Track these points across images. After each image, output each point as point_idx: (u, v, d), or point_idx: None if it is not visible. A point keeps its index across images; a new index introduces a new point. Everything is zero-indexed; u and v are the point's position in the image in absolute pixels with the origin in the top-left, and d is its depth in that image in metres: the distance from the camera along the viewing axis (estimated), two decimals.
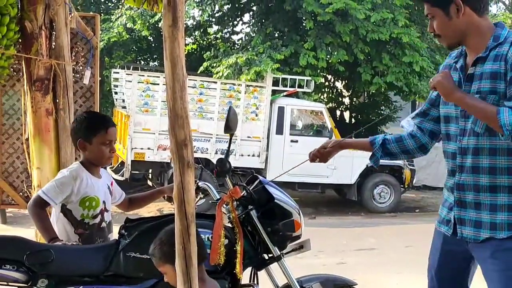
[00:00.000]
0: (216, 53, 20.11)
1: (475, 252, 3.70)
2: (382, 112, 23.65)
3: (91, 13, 13.30)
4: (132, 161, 16.02)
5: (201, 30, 23.57)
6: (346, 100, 24.08)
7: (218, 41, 22.20)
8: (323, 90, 23.49)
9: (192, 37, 24.03)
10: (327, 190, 17.42)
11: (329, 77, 22.90)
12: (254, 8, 21.95)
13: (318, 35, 18.68)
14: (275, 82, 17.27)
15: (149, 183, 17.77)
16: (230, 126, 4.52)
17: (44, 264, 3.81)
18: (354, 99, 23.99)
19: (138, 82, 16.16)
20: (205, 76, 18.65)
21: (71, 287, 3.90)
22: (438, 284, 3.96)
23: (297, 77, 17.64)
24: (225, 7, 22.00)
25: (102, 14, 20.92)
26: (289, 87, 17.52)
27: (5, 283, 3.89)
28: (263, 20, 20.81)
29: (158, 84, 15.96)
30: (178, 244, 3.21)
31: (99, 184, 4.43)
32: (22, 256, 3.83)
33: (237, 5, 22.08)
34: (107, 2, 23.48)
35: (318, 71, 19.04)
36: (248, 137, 16.54)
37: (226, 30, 23.01)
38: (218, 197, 4.57)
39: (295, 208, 4.54)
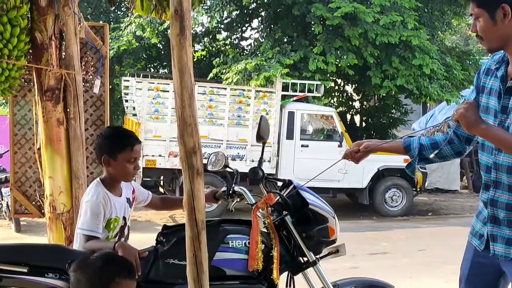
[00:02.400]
0: (225, 59, 20.13)
1: (506, 267, 3.64)
2: (393, 115, 23.60)
3: (100, 22, 13.36)
4: (143, 168, 16.05)
5: (210, 36, 23.60)
6: (356, 104, 24.05)
7: (227, 47, 22.22)
8: (333, 94, 23.46)
9: (201, 43, 24.05)
10: (338, 194, 17.42)
11: (339, 81, 22.87)
12: (263, 13, 21.98)
13: (327, 39, 18.68)
14: (285, 87, 17.27)
15: (161, 189, 17.81)
16: (261, 135, 4.65)
17: None
18: (365, 102, 23.95)
19: (148, 90, 16.22)
20: (215, 83, 18.69)
21: None
22: None
23: (307, 82, 17.63)
24: (234, 13, 22.03)
25: (111, 23, 20.99)
26: (299, 92, 17.49)
27: None
28: (272, 26, 20.83)
29: (168, 91, 16.00)
30: (189, 252, 3.24)
31: (120, 202, 4.42)
32: (64, 264, 3.83)
33: (245, 11, 22.10)
34: (116, 11, 23.49)
35: (328, 75, 19.02)
36: None
37: (235, 36, 23.02)
38: (254, 201, 4.58)
39: (330, 213, 4.58)
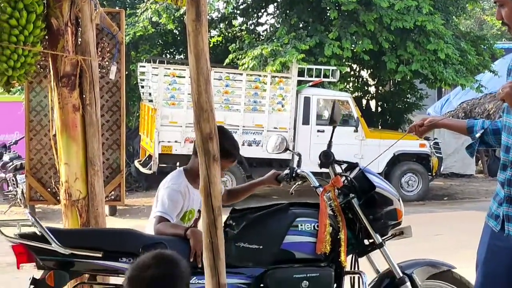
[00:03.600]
0: (241, 45, 20.08)
1: None
2: (408, 100, 23.51)
3: (116, 8, 13.35)
4: (159, 154, 16.11)
5: (226, 22, 23.56)
6: (372, 89, 23.99)
7: (243, 33, 22.15)
8: (349, 79, 23.40)
9: (217, 29, 24.02)
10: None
11: (354, 66, 22.81)
12: None
13: (343, 24, 18.63)
14: (301, 73, 17.25)
15: None
16: (334, 119, 4.71)
17: None
18: (380, 87, 23.88)
19: (164, 76, 16.26)
20: (231, 68, 18.66)
21: None
22: (485, 280, 3.83)
23: (322, 67, 17.58)
24: None
25: (127, 9, 20.96)
26: (315, 77, 17.46)
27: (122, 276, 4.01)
28: (288, 11, 20.75)
29: (184, 77, 16.01)
30: (206, 238, 3.24)
31: (198, 195, 4.34)
32: (138, 248, 3.91)
33: None
34: None
35: (343, 60, 18.97)
36: (275, 128, 16.54)
37: (250, 22, 22.95)
38: (318, 184, 4.69)
39: (395, 195, 4.65)
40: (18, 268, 3.98)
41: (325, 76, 17.64)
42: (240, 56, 19.27)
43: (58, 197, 5.57)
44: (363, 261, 4.72)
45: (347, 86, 23.81)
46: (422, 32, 18.64)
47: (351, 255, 4.56)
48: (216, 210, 3.24)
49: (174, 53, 24.73)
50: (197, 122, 3.19)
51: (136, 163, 18.16)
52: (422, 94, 23.61)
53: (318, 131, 16.81)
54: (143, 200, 17.52)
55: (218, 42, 23.81)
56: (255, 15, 22.85)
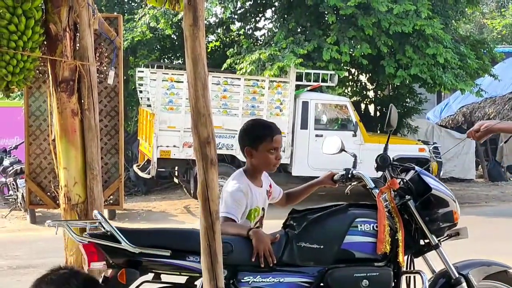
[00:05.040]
0: (239, 50, 20.09)
1: None
2: (407, 104, 23.52)
3: (114, 13, 13.39)
4: (158, 158, 16.15)
5: (224, 27, 23.56)
6: (371, 94, 23.97)
7: (241, 37, 22.17)
8: (347, 84, 23.40)
9: (215, 34, 24.03)
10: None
11: (353, 70, 22.79)
12: (276, 3, 21.90)
13: (341, 29, 18.62)
14: (299, 77, 17.29)
15: (176, 180, 17.87)
16: (391, 124, 4.77)
17: (225, 255, 3.91)
18: (379, 92, 23.86)
19: (163, 81, 16.30)
20: (229, 73, 18.68)
21: (249, 276, 4.13)
22: None
23: (321, 72, 17.59)
24: (247, 3, 21.96)
25: (125, 14, 21.02)
26: (313, 81, 17.48)
27: (188, 274, 4.20)
28: (285, 16, 20.76)
29: (182, 82, 16.04)
30: (204, 242, 3.26)
31: (261, 193, 4.64)
32: None
33: (259, 1, 22.04)
34: (130, 2, 23.52)
35: (342, 65, 18.94)
36: None
37: (248, 27, 22.96)
38: (373, 185, 4.78)
39: (451, 196, 4.73)
40: (89, 267, 4.08)
41: (323, 80, 17.65)
42: (238, 61, 19.28)
43: (57, 201, 5.62)
44: (418, 261, 4.81)
45: (346, 91, 23.83)
46: (421, 36, 18.64)
47: (407, 255, 4.64)
48: (214, 214, 3.26)
49: (172, 58, 24.77)
50: (195, 127, 3.21)
51: (135, 167, 18.21)
52: (421, 98, 23.59)
53: (317, 135, 16.83)
54: (142, 205, 17.55)
55: (216, 47, 23.82)
56: (253, 19, 22.85)
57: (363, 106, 23.70)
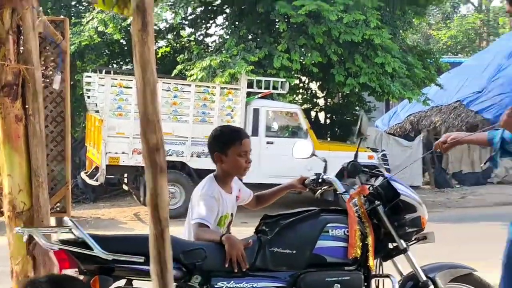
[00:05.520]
0: (189, 56, 20.03)
1: None
2: (357, 112, 23.71)
3: (61, 17, 13.23)
4: (106, 165, 15.97)
5: (174, 33, 23.49)
6: (321, 101, 24.14)
7: (191, 43, 22.12)
8: (298, 91, 23.55)
9: (165, 40, 23.95)
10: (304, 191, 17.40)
11: (303, 78, 22.94)
12: (227, 10, 21.91)
13: (292, 37, 18.66)
14: (250, 84, 17.30)
15: (125, 187, 17.71)
16: (362, 132, 5.00)
17: (199, 261, 4.04)
18: (329, 100, 24.06)
19: (111, 86, 16.14)
20: (179, 79, 18.61)
21: (223, 282, 4.13)
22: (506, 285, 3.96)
23: (272, 79, 17.64)
24: (198, 9, 21.97)
25: (72, 18, 20.77)
26: (264, 89, 17.53)
27: None
28: (237, 23, 20.77)
29: (131, 87, 15.91)
30: (153, 249, 3.20)
31: (231, 199, 4.65)
32: (178, 254, 3.99)
33: (210, 8, 22.05)
34: (77, 5, 23.29)
35: (292, 72, 19.00)
36: None
37: (199, 33, 22.93)
38: (343, 189, 4.89)
39: (419, 202, 4.83)
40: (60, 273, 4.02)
41: (274, 88, 17.69)
42: (188, 67, 19.23)
43: (1, 209, 5.47)
44: (385, 264, 4.89)
45: (296, 98, 23.96)
46: (370, 46, 18.81)
47: (376, 259, 4.69)
48: (163, 221, 3.19)
49: (121, 63, 24.59)
50: (144, 134, 3.14)
51: (82, 174, 17.99)
52: (370, 106, 23.86)
53: (268, 142, 16.84)
54: (90, 212, 17.37)
55: (166, 53, 23.73)
56: (204, 26, 22.82)
57: (313, 113, 23.87)
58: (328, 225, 4.45)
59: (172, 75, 19.58)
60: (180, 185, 16.28)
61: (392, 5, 21.03)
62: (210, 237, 4.27)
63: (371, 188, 4.77)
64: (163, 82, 16.60)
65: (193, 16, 22.44)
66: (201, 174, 16.58)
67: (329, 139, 21.74)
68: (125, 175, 16.91)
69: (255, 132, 16.92)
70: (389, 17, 20.91)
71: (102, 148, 15.88)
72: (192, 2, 20.78)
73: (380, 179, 4.87)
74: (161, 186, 3.16)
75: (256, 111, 17.16)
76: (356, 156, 4.94)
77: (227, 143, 4.54)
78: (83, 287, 3.92)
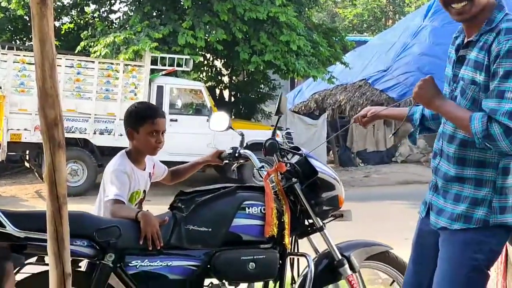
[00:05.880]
0: (93, 33, 19.77)
1: (439, 236, 3.68)
2: (261, 90, 23.82)
3: None
4: (8, 142, 15.68)
5: (78, 9, 23.16)
6: (225, 79, 24.15)
7: (95, 20, 21.83)
8: (202, 69, 23.49)
9: (69, 16, 23.55)
10: (208, 169, 17.46)
11: (208, 56, 22.90)
12: None
13: (196, 14, 18.60)
14: (154, 61, 17.21)
15: (26, 164, 17.43)
16: (280, 110, 4.80)
17: (113, 240, 3.94)
18: (233, 77, 24.07)
19: (14, 62, 15.83)
20: (83, 56, 18.36)
21: (137, 260, 4.06)
22: (413, 264, 3.94)
23: (176, 56, 17.58)
24: None
25: None
26: (168, 66, 17.46)
27: (74, 257, 3.89)
28: None
29: (34, 64, 15.58)
30: (50, 226, 3.17)
31: (143, 175, 4.57)
32: (92, 232, 3.94)
33: None
34: None
35: (197, 50, 18.94)
36: None
37: (103, 9, 22.62)
38: (260, 165, 4.82)
39: (336, 179, 4.79)
40: None
41: (179, 65, 17.64)
42: (92, 44, 18.99)
43: None
44: (301, 240, 4.86)
45: (201, 76, 23.92)
46: (275, 24, 18.90)
47: (291, 237, 4.66)
48: (61, 198, 3.17)
49: (24, 39, 24.10)
50: (42, 108, 3.11)
51: None
52: (275, 84, 23.96)
53: (171, 120, 16.76)
54: None
55: (70, 29, 23.34)
56: (108, 2, 22.54)
57: (218, 91, 23.88)
58: (245, 202, 4.41)
59: (76, 51, 19.30)
60: (82, 162, 16.13)
61: None
62: (126, 214, 4.20)
63: (288, 165, 4.73)
64: (66, 59, 16.37)
65: None
66: (104, 151, 16.54)
67: (233, 117, 21.79)
68: (27, 152, 16.63)
69: None
70: None
71: (3, 125, 15.58)
72: None
73: (299, 156, 4.84)
74: (59, 162, 3.13)
75: (160, 88, 17.09)
76: (274, 134, 4.88)
77: (139, 121, 4.47)
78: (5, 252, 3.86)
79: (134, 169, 4.48)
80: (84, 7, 23.23)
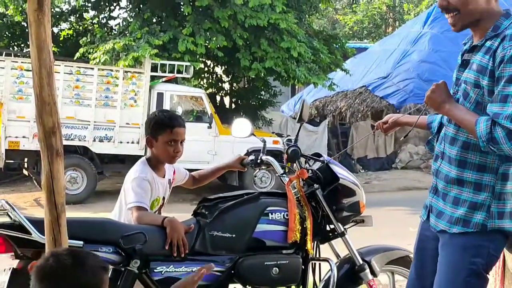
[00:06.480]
0: (92, 39, 19.74)
1: (439, 239, 3.72)
2: (262, 97, 23.80)
3: None
4: (6, 149, 15.62)
5: (77, 15, 23.14)
6: (226, 86, 24.13)
7: (94, 26, 21.82)
8: (203, 75, 23.47)
9: (67, 22, 23.55)
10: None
11: (209, 62, 22.87)
12: None
13: (197, 20, 18.56)
14: (154, 68, 17.16)
15: (25, 172, 17.36)
16: (302, 117, 4.84)
17: (140, 245, 3.98)
18: (234, 84, 24.04)
19: (12, 69, 15.73)
20: (82, 62, 18.31)
21: (162, 266, 4.08)
22: (415, 269, 4.00)
23: (176, 63, 17.53)
24: None
25: None
26: (168, 72, 17.41)
27: None
28: (141, 5, 20.54)
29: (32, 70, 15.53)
30: (48, 235, 3.14)
31: (163, 183, 4.60)
32: (118, 238, 3.98)
33: None
34: None
35: (197, 56, 18.91)
36: (127, 123, 16.40)
37: (102, 15, 22.61)
38: (282, 171, 4.87)
39: (357, 185, 4.85)
40: None
41: (179, 72, 17.60)
42: (91, 50, 18.95)
43: None
44: (323, 246, 4.91)
45: (201, 82, 23.90)
46: (275, 30, 18.86)
47: (314, 242, 4.69)
48: (60, 206, 3.14)
49: (22, 45, 24.08)
50: (40, 116, 3.08)
51: None
52: (276, 91, 23.94)
53: None
54: None
55: (69, 36, 23.36)
56: (107, 8, 22.52)
57: (218, 98, 23.86)
58: (268, 208, 4.46)
59: (75, 58, 19.26)
60: (82, 170, 16.06)
61: None
62: (152, 220, 4.25)
63: (310, 171, 4.78)
64: (65, 65, 16.29)
65: None
66: (104, 159, 16.49)
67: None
68: (26, 159, 16.56)
69: None
70: (295, 1, 21.02)
71: (1, 132, 15.52)
72: None
73: (320, 163, 4.88)
74: (57, 170, 3.10)
75: (160, 95, 17.02)
76: (296, 140, 4.89)
77: (158, 129, 4.50)
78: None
79: (154, 176, 4.51)
80: (83, 13, 23.23)
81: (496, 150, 3.32)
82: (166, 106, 16.93)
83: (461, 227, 3.54)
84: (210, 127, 16.98)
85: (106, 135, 16.22)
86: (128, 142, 16.41)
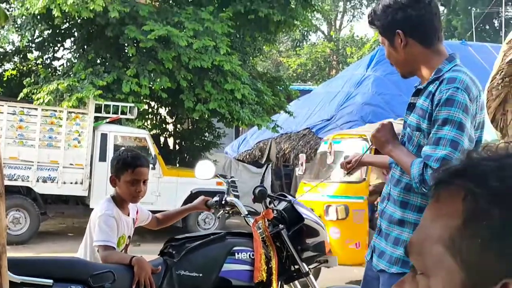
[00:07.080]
0: (36, 79, 19.63)
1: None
2: (206, 138, 23.82)
3: None
4: None
5: (21, 55, 22.99)
6: (170, 127, 24.10)
7: (38, 67, 21.68)
8: (147, 116, 23.43)
9: (11, 62, 23.40)
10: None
11: (153, 103, 22.86)
12: (76, 33, 21.63)
13: (141, 62, 18.59)
14: (98, 109, 17.08)
15: None
16: (270, 157, 5.11)
17: (108, 284, 3.97)
18: (178, 125, 24.03)
19: None
20: (26, 103, 18.18)
21: None
22: None
23: (120, 104, 17.49)
24: (46, 32, 21.52)
25: None
26: (112, 113, 17.36)
27: None
28: (85, 46, 20.53)
29: None
30: None
31: (128, 221, 4.58)
32: (87, 277, 3.96)
33: (58, 31, 21.62)
34: None
35: (141, 97, 18.93)
36: (71, 164, 16.29)
37: (46, 56, 22.50)
38: (246, 212, 4.90)
39: (322, 226, 4.91)
40: None
41: (123, 113, 17.54)
42: (35, 91, 18.85)
43: None
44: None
45: (145, 124, 23.84)
46: (219, 72, 18.95)
47: (278, 282, 4.69)
48: (0, 247, 3.13)
49: None
50: None
51: None
52: (220, 132, 23.98)
53: None
54: None
55: (12, 76, 23.16)
56: (52, 49, 22.42)
57: (162, 139, 23.78)
58: (234, 248, 4.49)
59: (19, 98, 19.12)
60: (25, 210, 15.86)
61: (242, 31, 21.34)
62: (119, 258, 4.25)
63: (275, 212, 4.81)
64: (9, 106, 16.17)
65: (40, 39, 21.98)
66: (48, 199, 16.31)
67: (178, 165, 21.71)
68: None
69: (103, 157, 16.72)
70: (239, 44, 21.20)
71: None
72: (40, 25, 20.35)
73: (286, 203, 4.93)
74: None
75: (104, 136, 16.95)
76: (262, 181, 4.98)
77: (121, 168, 4.50)
78: None
79: (120, 214, 4.50)
80: (27, 54, 23.10)
81: (427, 192, 3.34)
82: (110, 146, 16.86)
83: (399, 268, 3.54)
84: (154, 168, 16.94)
85: (49, 175, 16.09)
86: (71, 183, 16.29)
